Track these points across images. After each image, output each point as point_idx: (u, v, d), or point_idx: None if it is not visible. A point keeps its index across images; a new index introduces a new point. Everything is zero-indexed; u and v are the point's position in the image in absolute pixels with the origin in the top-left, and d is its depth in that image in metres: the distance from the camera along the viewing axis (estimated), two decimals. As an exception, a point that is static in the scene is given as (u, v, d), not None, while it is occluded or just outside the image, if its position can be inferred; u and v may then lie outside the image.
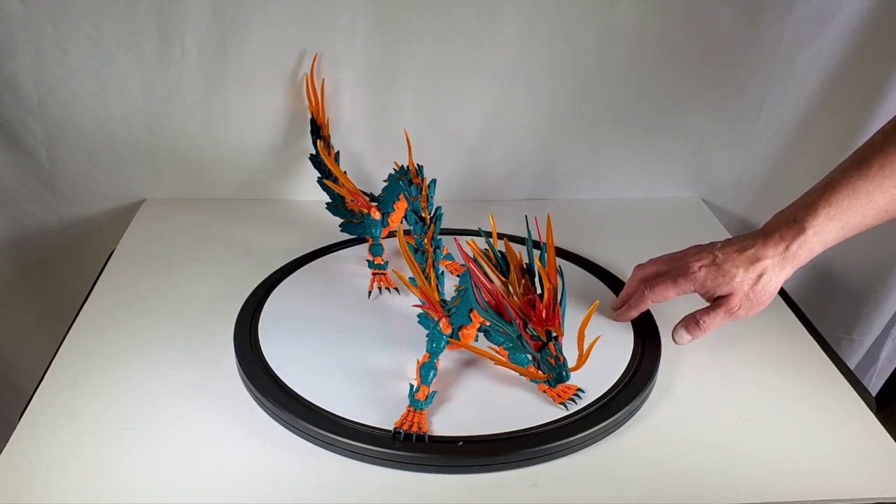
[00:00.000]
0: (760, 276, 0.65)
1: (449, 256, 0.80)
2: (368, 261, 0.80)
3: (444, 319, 0.64)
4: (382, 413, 0.60)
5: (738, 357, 0.71)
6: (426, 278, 0.67)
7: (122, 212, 0.94)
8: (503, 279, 0.57)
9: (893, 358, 1.06)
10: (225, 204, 0.95)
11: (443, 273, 0.68)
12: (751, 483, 0.57)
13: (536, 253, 0.57)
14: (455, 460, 0.57)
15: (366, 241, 0.83)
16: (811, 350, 0.73)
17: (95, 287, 0.78)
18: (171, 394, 0.64)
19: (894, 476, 0.59)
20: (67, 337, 0.71)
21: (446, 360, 0.67)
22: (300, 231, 0.89)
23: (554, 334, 0.55)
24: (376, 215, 0.80)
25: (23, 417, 0.61)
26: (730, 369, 0.69)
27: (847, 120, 0.92)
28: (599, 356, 0.67)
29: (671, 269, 0.69)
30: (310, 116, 0.89)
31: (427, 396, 0.61)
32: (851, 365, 1.03)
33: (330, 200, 0.86)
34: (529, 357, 0.57)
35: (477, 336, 0.64)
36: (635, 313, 0.71)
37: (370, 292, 0.77)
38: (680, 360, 0.69)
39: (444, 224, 0.73)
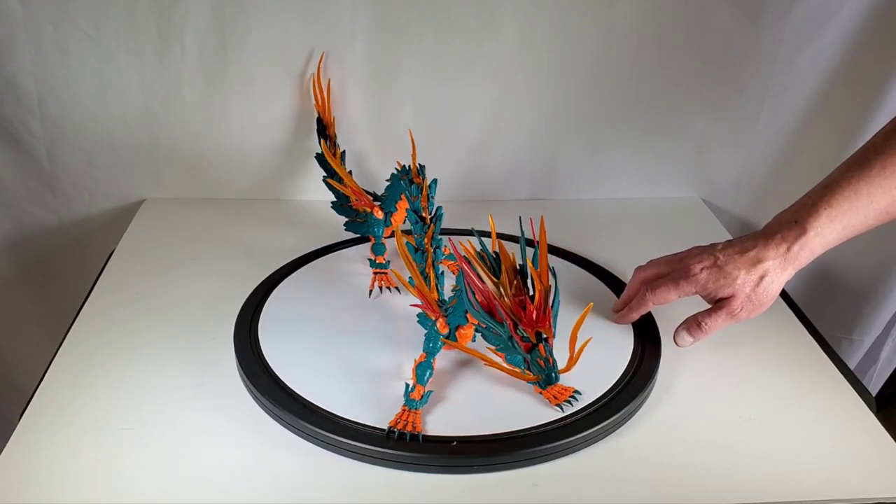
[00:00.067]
0: (762, 277, 0.65)
1: (451, 256, 0.80)
2: (370, 260, 0.81)
3: (440, 319, 0.64)
4: (382, 413, 0.60)
5: (738, 357, 0.71)
6: (426, 278, 0.67)
7: (122, 212, 0.94)
8: (494, 280, 0.57)
9: (893, 358, 1.06)
10: (225, 204, 0.95)
11: (443, 273, 0.68)
12: (751, 483, 0.57)
13: (529, 254, 0.57)
14: (455, 460, 0.57)
15: (369, 240, 0.83)
16: (811, 350, 0.73)
17: (95, 287, 0.78)
18: (171, 394, 0.64)
19: (894, 476, 0.59)
20: (67, 337, 0.71)
21: (444, 360, 0.67)
22: (300, 231, 0.89)
23: (544, 336, 0.55)
24: (379, 214, 0.80)
25: (23, 417, 0.61)
26: (730, 369, 0.69)
27: (847, 120, 0.92)
28: (599, 356, 0.68)
29: (672, 270, 0.69)
30: (316, 115, 0.89)
31: (422, 396, 0.61)
32: (851, 365, 1.03)
33: (335, 199, 0.86)
34: (521, 358, 0.57)
35: (475, 337, 0.64)
36: (636, 316, 0.71)
37: (371, 291, 0.77)
38: (680, 360, 0.69)
39: (445, 224, 0.73)
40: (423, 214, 0.72)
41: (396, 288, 0.78)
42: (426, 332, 0.65)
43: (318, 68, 0.87)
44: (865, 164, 0.63)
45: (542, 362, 0.55)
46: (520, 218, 0.63)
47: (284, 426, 0.61)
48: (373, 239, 0.82)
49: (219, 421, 0.61)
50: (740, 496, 0.56)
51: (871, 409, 0.65)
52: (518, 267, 0.58)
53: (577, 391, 0.63)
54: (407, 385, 0.62)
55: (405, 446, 0.57)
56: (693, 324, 0.68)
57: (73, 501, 0.54)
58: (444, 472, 0.57)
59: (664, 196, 1.01)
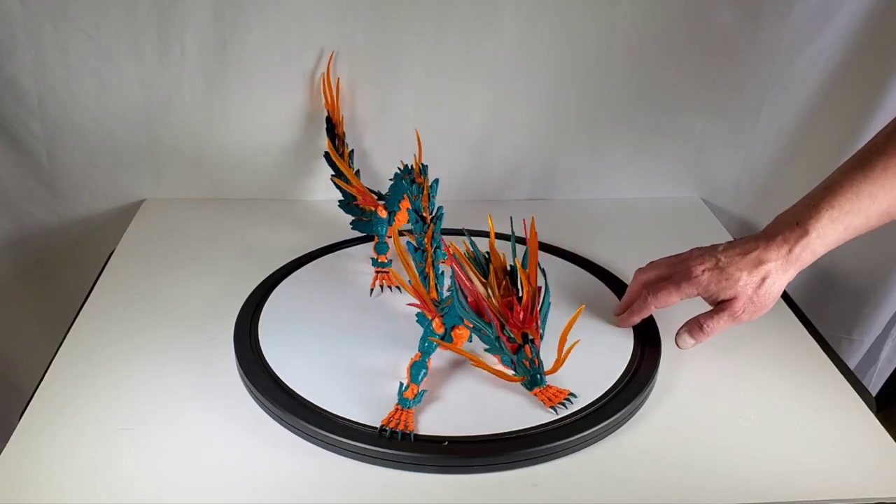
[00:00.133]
0: (764, 279, 0.64)
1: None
2: (373, 258, 0.81)
3: (436, 319, 0.64)
4: (382, 413, 0.60)
5: (738, 357, 0.71)
6: (425, 278, 0.67)
7: (122, 212, 0.94)
8: (483, 280, 0.57)
9: (893, 358, 1.06)
10: (225, 204, 0.95)
11: (443, 273, 0.68)
12: (751, 483, 0.57)
13: (522, 254, 0.57)
14: (455, 461, 0.57)
15: (374, 239, 0.83)
16: (811, 350, 0.73)
17: (95, 287, 0.78)
18: (171, 394, 0.64)
19: (894, 476, 0.59)
20: (67, 337, 0.71)
21: (443, 359, 0.67)
22: (300, 231, 0.89)
23: (531, 337, 0.55)
24: (383, 214, 0.81)
25: (23, 417, 0.61)
26: (730, 369, 0.69)
27: (847, 120, 0.92)
28: (599, 356, 0.68)
29: (673, 273, 0.68)
30: (326, 115, 0.89)
31: (416, 395, 0.61)
32: (851, 365, 1.03)
33: (342, 198, 0.86)
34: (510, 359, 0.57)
35: (471, 337, 0.64)
36: (637, 319, 0.71)
37: (372, 290, 0.77)
38: (680, 360, 0.69)
39: (445, 224, 0.73)
40: (424, 214, 0.72)
41: (398, 287, 0.78)
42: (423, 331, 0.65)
43: (328, 67, 0.87)
44: (867, 164, 0.63)
45: (527, 363, 0.55)
46: (511, 218, 0.63)
47: (284, 426, 0.61)
48: (376, 238, 0.82)
49: (219, 421, 0.61)
50: (740, 496, 0.56)
51: (871, 409, 0.65)
52: (509, 268, 0.58)
53: (572, 394, 0.62)
54: (401, 384, 0.62)
55: (403, 446, 0.57)
56: (695, 326, 0.68)
57: (73, 501, 0.54)
58: (443, 472, 0.57)
59: (664, 196, 1.01)
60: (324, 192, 0.96)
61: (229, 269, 0.81)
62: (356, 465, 0.58)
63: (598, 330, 0.72)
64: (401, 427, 0.58)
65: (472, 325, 0.59)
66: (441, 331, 0.63)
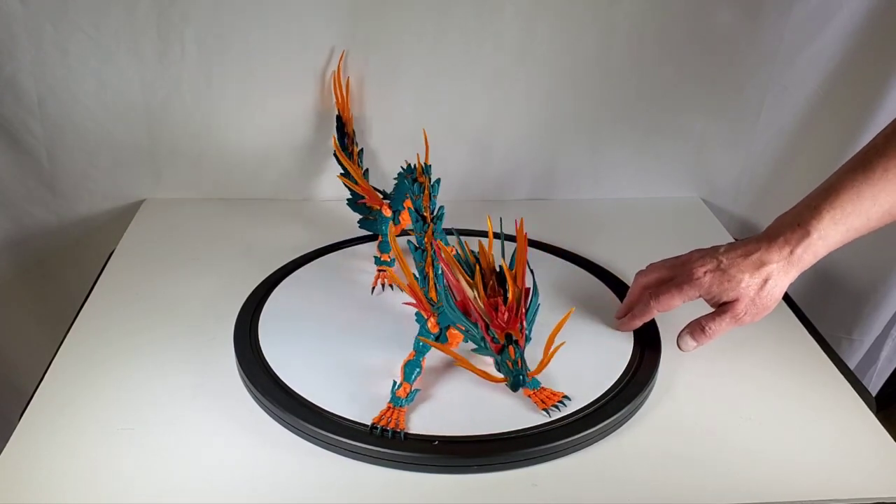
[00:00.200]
0: (766, 280, 0.64)
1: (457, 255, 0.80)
2: (376, 257, 0.81)
3: (432, 318, 0.64)
4: (382, 413, 0.60)
5: (738, 357, 0.71)
6: (424, 277, 0.67)
7: (122, 212, 0.94)
8: (469, 280, 0.57)
9: (893, 358, 1.06)
10: (225, 204, 0.95)
11: (443, 272, 0.68)
12: (751, 483, 0.57)
13: (505, 256, 0.57)
14: (454, 460, 0.57)
15: (377, 238, 0.83)
16: (811, 350, 0.73)
17: (95, 287, 0.78)
18: (171, 394, 0.64)
19: (894, 476, 0.59)
20: (67, 337, 0.71)
21: (441, 359, 0.67)
22: (300, 230, 0.89)
23: (514, 338, 0.55)
24: (387, 212, 0.81)
25: (23, 417, 0.61)
26: (730, 369, 0.69)
27: (847, 120, 0.92)
28: (599, 356, 0.68)
29: (675, 275, 0.68)
30: (336, 113, 0.89)
31: (408, 394, 0.61)
32: (851, 365, 1.03)
33: (350, 197, 0.86)
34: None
35: (467, 337, 0.64)
36: (639, 323, 0.70)
37: (373, 288, 0.77)
38: (680, 360, 0.69)
39: (444, 224, 0.73)
40: (425, 214, 0.72)
41: (400, 286, 0.78)
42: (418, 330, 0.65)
43: (339, 66, 0.87)
44: (867, 166, 0.62)
45: (510, 364, 0.55)
46: (500, 219, 0.63)
47: (284, 426, 0.61)
48: (380, 237, 0.82)
49: (219, 421, 0.61)
50: (740, 496, 0.56)
51: (871, 409, 0.65)
52: (498, 268, 0.58)
53: (566, 396, 0.62)
54: (394, 382, 0.62)
55: (395, 444, 0.57)
56: (696, 328, 0.67)
57: (73, 501, 0.54)
58: (443, 472, 0.57)
59: (664, 196, 1.01)
60: (324, 191, 0.96)
61: (229, 269, 0.81)
62: (356, 464, 0.58)
63: (597, 330, 0.72)
64: (392, 425, 0.58)
65: (460, 326, 0.59)
66: (436, 330, 0.63)
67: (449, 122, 0.92)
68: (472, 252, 0.60)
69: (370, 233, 0.86)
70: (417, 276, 0.69)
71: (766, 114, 0.94)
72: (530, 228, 0.88)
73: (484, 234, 0.65)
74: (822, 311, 0.97)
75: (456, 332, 0.63)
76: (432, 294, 0.66)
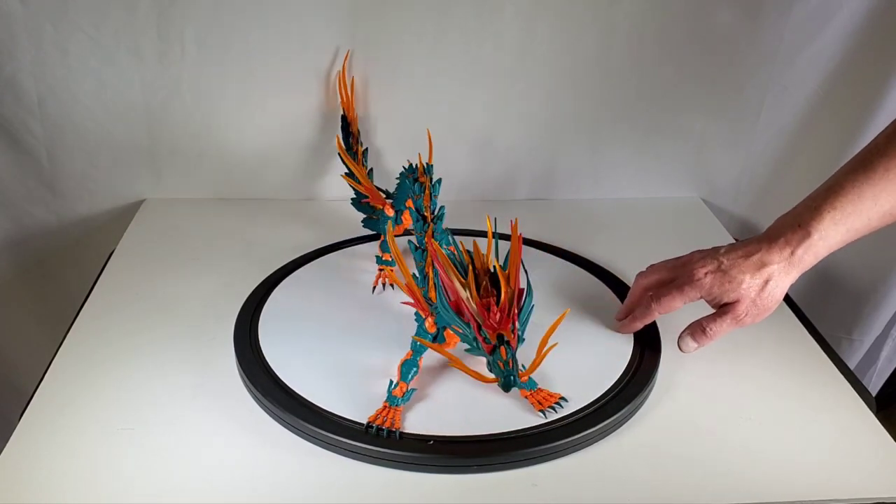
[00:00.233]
0: (767, 281, 0.64)
1: (451, 255, 0.80)
2: (377, 256, 0.81)
3: (429, 318, 0.64)
4: (382, 413, 0.60)
5: (738, 357, 0.71)
6: (424, 277, 0.67)
7: (122, 212, 0.94)
8: (462, 280, 0.57)
9: (893, 358, 1.06)
10: (225, 204, 0.95)
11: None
12: (751, 483, 0.57)
13: (498, 256, 0.57)
14: (454, 460, 0.57)
15: (380, 237, 0.83)
16: (811, 350, 0.73)
17: (95, 287, 0.78)
18: (171, 394, 0.64)
19: (894, 476, 0.59)
20: (67, 337, 0.71)
21: (437, 359, 0.67)
22: (300, 230, 0.89)
23: (506, 339, 0.55)
24: (390, 212, 0.81)
25: (23, 417, 0.61)
26: (730, 369, 0.69)
27: (847, 120, 0.92)
28: (599, 356, 0.68)
29: (675, 276, 0.68)
30: (341, 113, 0.89)
31: (405, 393, 0.61)
32: (851, 365, 1.03)
33: (354, 196, 0.86)
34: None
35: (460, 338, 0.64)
36: (640, 325, 0.70)
37: (374, 287, 0.77)
38: (680, 359, 0.69)
39: (445, 223, 0.73)
40: (425, 213, 0.72)
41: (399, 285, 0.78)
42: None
43: (344, 66, 0.87)
44: (868, 166, 0.62)
45: (501, 364, 0.55)
46: (495, 219, 0.63)
47: (284, 426, 0.61)
48: (383, 236, 0.82)
49: (219, 421, 0.61)
50: (740, 496, 0.56)
51: (871, 409, 0.65)
52: (493, 269, 0.58)
53: (562, 398, 0.62)
54: (391, 381, 0.62)
55: (399, 445, 0.57)
56: (697, 329, 0.67)
57: (73, 501, 0.54)
58: (443, 471, 0.57)
59: (664, 196, 1.01)
60: (325, 191, 0.96)
61: (229, 269, 0.81)
62: (356, 465, 0.58)
63: (597, 330, 0.72)
64: (387, 424, 0.58)
65: (455, 326, 0.59)
66: (434, 330, 0.63)
67: (449, 122, 0.92)
68: (468, 252, 0.60)
69: (373, 232, 0.86)
70: (417, 275, 0.69)
71: (766, 114, 0.94)
72: (530, 228, 0.89)
73: (484, 234, 0.65)
74: (822, 311, 0.97)
75: (452, 332, 0.63)
76: (432, 294, 0.66)
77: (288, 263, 0.81)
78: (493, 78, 0.90)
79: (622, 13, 0.87)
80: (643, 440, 0.61)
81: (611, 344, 0.70)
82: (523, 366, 0.57)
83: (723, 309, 0.66)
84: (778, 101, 0.93)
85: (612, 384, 0.64)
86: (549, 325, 0.58)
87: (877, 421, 0.64)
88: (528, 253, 0.85)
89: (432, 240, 0.63)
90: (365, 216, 0.86)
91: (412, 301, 0.66)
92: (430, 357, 0.65)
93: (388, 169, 0.94)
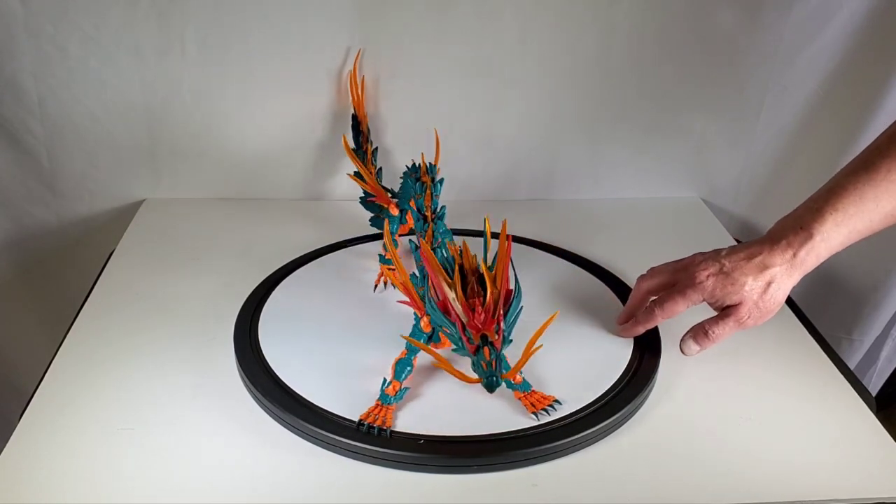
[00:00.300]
0: (769, 283, 0.64)
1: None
2: (380, 255, 0.81)
3: (425, 318, 0.64)
4: (382, 413, 0.60)
5: (738, 357, 0.71)
6: (424, 276, 0.67)
7: (122, 212, 0.94)
8: (449, 280, 0.57)
9: (893, 358, 1.06)
10: (225, 204, 0.95)
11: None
12: (751, 483, 0.57)
13: (486, 257, 0.57)
14: (454, 461, 0.57)
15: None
16: (811, 350, 0.73)
17: (95, 287, 0.78)
18: (171, 394, 0.64)
19: (894, 476, 0.59)
20: (67, 337, 0.71)
21: (432, 359, 0.67)
22: (300, 230, 0.89)
23: (490, 339, 0.55)
24: (395, 211, 0.81)
25: (23, 417, 0.61)
26: (730, 369, 0.69)
27: (847, 120, 0.92)
28: (599, 356, 0.68)
29: (677, 279, 0.67)
30: (352, 112, 0.89)
31: (397, 392, 0.61)
32: (851, 365, 1.03)
33: (362, 195, 0.86)
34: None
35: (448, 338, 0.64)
36: (642, 329, 0.70)
37: (376, 286, 0.77)
38: (680, 359, 0.69)
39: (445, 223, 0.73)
40: (426, 213, 0.72)
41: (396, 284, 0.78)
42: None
43: (355, 65, 0.87)
44: (870, 167, 0.62)
45: (484, 365, 0.55)
46: (485, 219, 0.63)
47: (284, 426, 0.61)
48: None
49: (219, 421, 0.61)
50: (740, 496, 0.56)
51: (871, 409, 0.65)
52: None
53: (556, 400, 0.62)
54: (384, 380, 0.62)
55: (393, 444, 0.57)
56: (700, 332, 0.67)
57: (73, 501, 0.54)
58: (443, 471, 0.57)
59: (664, 196, 1.01)
60: (326, 191, 0.96)
61: (229, 269, 0.81)
62: (356, 464, 0.58)
63: (597, 330, 0.72)
64: (378, 423, 0.58)
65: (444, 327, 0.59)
66: (429, 330, 0.63)
67: (449, 122, 0.92)
68: (459, 251, 0.60)
69: (380, 231, 0.86)
70: (417, 275, 0.69)
71: (766, 114, 0.94)
72: (530, 228, 0.89)
73: (483, 234, 0.65)
74: (822, 311, 0.97)
75: None
76: (432, 294, 0.66)
77: (288, 263, 0.81)
78: (492, 78, 0.90)
79: (622, 13, 0.87)
80: (643, 440, 0.61)
81: (611, 344, 0.70)
82: (507, 367, 0.57)
83: (725, 311, 0.65)
84: (778, 101, 0.93)
85: (612, 384, 0.64)
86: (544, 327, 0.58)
87: (877, 421, 0.64)
88: (529, 253, 0.85)
89: (423, 240, 0.63)
90: (372, 215, 0.86)
91: (409, 301, 0.66)
92: (425, 357, 0.65)
93: (398, 168, 0.93)
